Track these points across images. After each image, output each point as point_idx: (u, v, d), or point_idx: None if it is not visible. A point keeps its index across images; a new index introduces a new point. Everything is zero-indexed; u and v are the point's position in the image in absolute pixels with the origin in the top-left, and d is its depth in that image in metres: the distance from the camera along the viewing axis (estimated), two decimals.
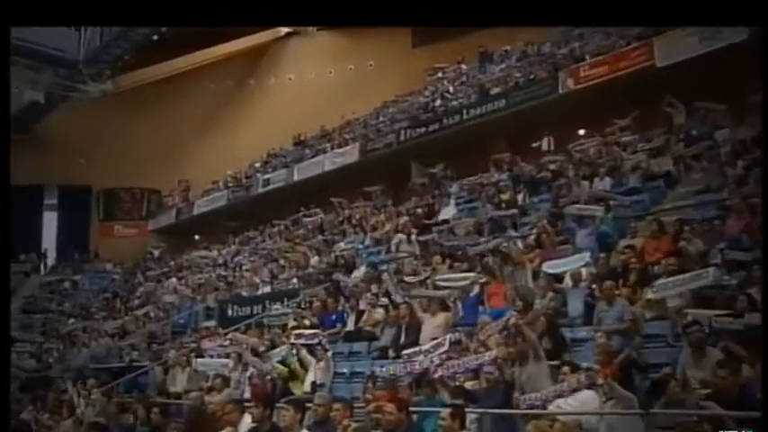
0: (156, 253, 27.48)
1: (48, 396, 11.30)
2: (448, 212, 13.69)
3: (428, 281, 9.85)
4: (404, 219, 14.16)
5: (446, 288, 9.04)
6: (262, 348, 9.96)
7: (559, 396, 5.56)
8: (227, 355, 9.97)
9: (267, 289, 14.74)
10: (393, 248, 12.78)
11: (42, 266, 31.76)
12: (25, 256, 30.35)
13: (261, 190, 24.67)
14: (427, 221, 13.63)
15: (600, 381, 5.52)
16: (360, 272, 12.21)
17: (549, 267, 8.44)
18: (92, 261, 31.12)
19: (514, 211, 11.67)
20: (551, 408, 5.49)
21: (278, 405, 5.99)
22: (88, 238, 32.21)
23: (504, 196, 12.50)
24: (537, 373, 6.06)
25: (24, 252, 30.41)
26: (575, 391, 5.54)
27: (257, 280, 15.60)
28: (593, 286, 7.93)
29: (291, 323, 10.73)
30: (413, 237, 12.59)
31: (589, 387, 5.57)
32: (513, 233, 10.61)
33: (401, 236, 12.78)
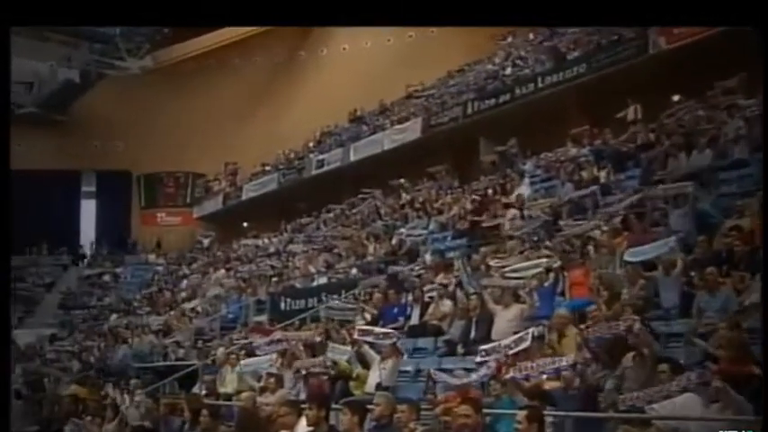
0: (206, 242, 28.43)
1: (89, 398, 11.91)
2: (522, 192, 13.62)
3: (500, 270, 9.87)
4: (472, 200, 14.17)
5: (519, 278, 9.06)
6: (317, 345, 10.22)
7: (667, 397, 5.43)
8: (281, 354, 10.26)
9: (323, 280, 15.05)
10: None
11: (81, 259, 33.41)
12: (63, 248, 31.94)
13: (314, 172, 25.10)
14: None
15: (716, 382, 5.24)
16: (425, 260, 12.31)
17: (631, 255, 8.30)
18: (133, 252, 32.50)
19: (595, 188, 11.48)
20: (647, 410, 5.43)
21: (335, 407, 6.13)
22: (129, 227, 33.54)
23: (585, 173, 12.34)
24: (640, 372, 5.97)
25: (62, 243, 31.99)
26: (684, 391, 5.40)
27: (312, 270, 15.95)
28: (692, 273, 7.78)
29: (350, 317, 10.96)
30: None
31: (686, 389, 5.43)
32: (595, 215, 10.47)
33: (514, 211, 12.44)
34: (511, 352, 6.81)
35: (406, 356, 9.11)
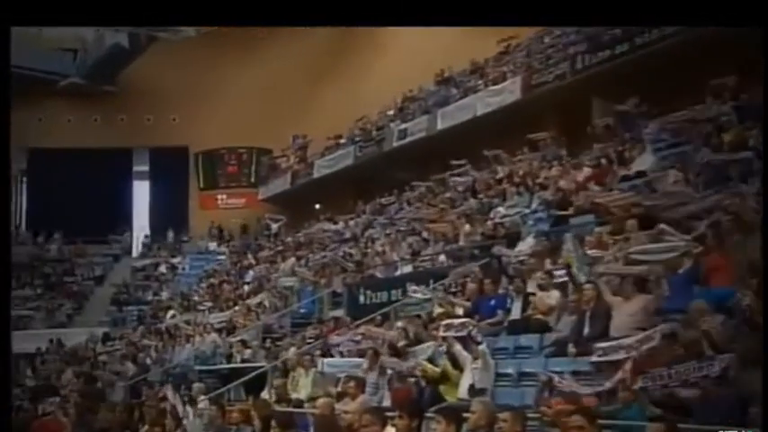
0: (274, 227, 29.11)
1: (146, 405, 12.37)
2: (644, 162, 13.20)
3: (619, 254, 9.64)
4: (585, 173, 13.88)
5: (645, 263, 8.81)
6: (402, 343, 10.29)
7: None
8: (362, 353, 10.49)
9: (407, 269, 15.15)
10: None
11: (134, 248, 34.77)
12: (113, 236, 33.32)
13: (396, 144, 25.14)
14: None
15: None
16: (526, 243, 12.19)
17: None
18: (192, 240, 33.61)
19: (747, 154, 10.92)
20: None
21: (427, 415, 6.22)
22: (187, 211, 34.76)
23: (728, 136, 11.80)
24: None
25: (112, 231, 33.40)
26: None
27: (395, 257, 16.06)
28: None
29: (439, 311, 10.97)
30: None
31: None
32: (742, 186, 10.00)
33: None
34: (635, 353, 6.63)
35: (486, 347, 9.04)
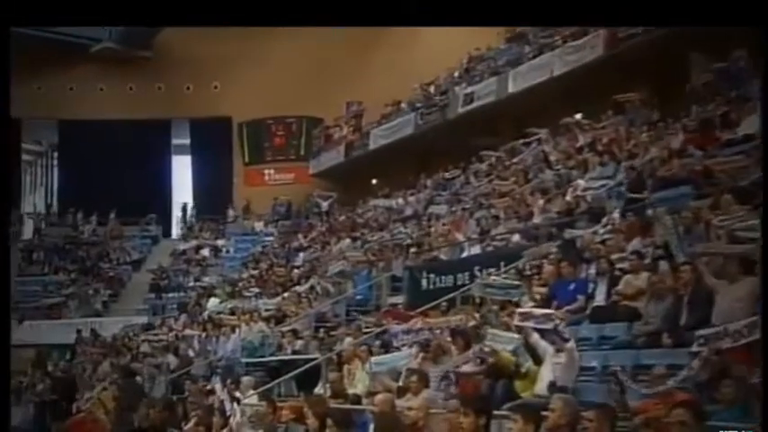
0: (325, 205, 29.16)
1: (189, 400, 12.59)
2: (753, 124, 12.81)
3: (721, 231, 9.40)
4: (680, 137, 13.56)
5: (752, 240, 8.55)
6: (472, 333, 10.20)
7: None
8: (425, 345, 10.41)
9: (475, 250, 15.04)
10: None
11: (174, 229, 35.36)
12: (151, 216, 33.94)
13: (461, 110, 24.93)
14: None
15: None
16: (611, 220, 11.98)
17: None
18: (237, 220, 33.99)
19: None
20: None
21: (496, 413, 6.22)
22: (231, 188, 35.18)
23: None
24: None
25: (150, 210, 34.01)
26: None
27: (460, 237, 15.95)
28: None
29: (514, 296, 10.85)
30: None
31: None
32: None
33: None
34: (743, 341, 6.44)
35: (571, 344, 8.90)
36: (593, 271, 10.65)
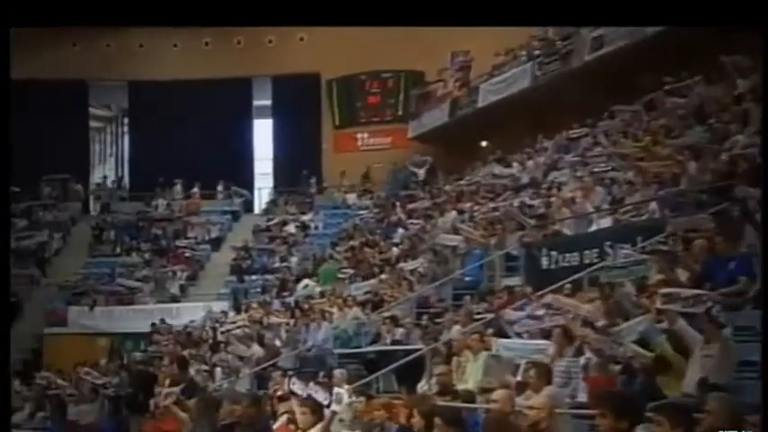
0: (421, 172, 28.90)
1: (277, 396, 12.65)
2: None
3: None
4: None
5: None
6: (601, 321, 10.00)
7: None
8: (546, 333, 10.36)
9: (606, 222, 14.79)
10: None
11: (256, 203, 35.80)
12: (232, 190, 34.43)
13: (589, 56, 24.24)
14: None
15: None
16: None
17: None
18: (327, 191, 34.25)
19: None
20: None
21: (634, 413, 5.95)
22: (320, 154, 35.33)
23: None
24: None
25: (229, 182, 34.50)
26: None
27: (588, 208, 15.69)
28: None
29: (658, 277, 10.51)
30: None
31: None
32: None
33: None
34: None
35: (726, 331, 8.55)
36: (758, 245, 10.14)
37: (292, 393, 10.39)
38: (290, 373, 14.32)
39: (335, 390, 9.86)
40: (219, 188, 34.66)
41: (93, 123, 38.48)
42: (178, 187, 34.79)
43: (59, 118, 33.58)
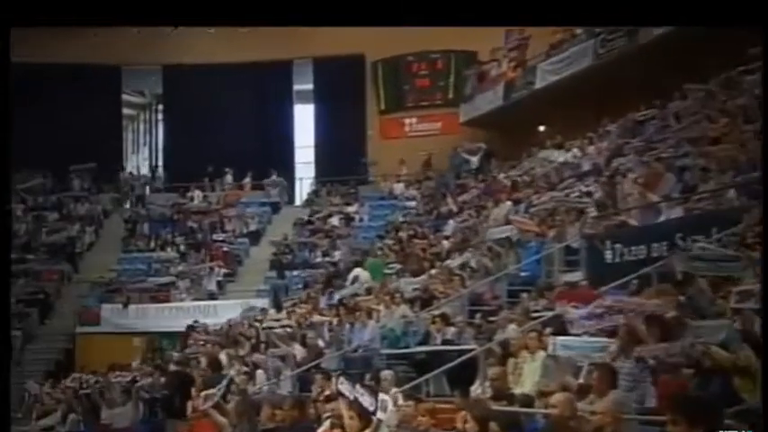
0: (474, 160, 28.66)
1: (321, 399, 12.64)
2: None
3: None
4: None
5: None
6: (673, 320, 9.81)
7: None
8: (611, 333, 10.16)
9: (676, 212, 14.56)
10: None
11: (297, 193, 35.86)
12: (272, 180, 34.51)
13: (658, 32, 23.82)
14: None
15: None
16: None
17: None
18: (372, 180, 34.30)
19: None
20: None
21: (710, 419, 5.80)
22: (364, 141, 35.31)
23: None
24: None
25: (268, 171, 34.62)
26: None
27: (656, 196, 15.50)
28: None
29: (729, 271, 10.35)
30: None
31: None
32: None
33: None
34: None
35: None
36: None
37: (339, 394, 10.43)
38: (338, 372, 14.30)
39: (381, 396, 9.90)
40: (264, 180, 34.78)
41: (126, 111, 38.82)
42: (229, 177, 34.96)
43: (91, 105, 33.93)
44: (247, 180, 34.97)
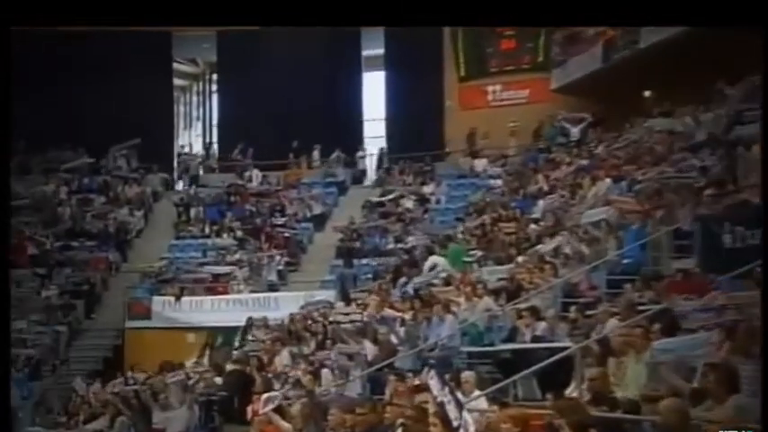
0: (575, 131, 28.35)
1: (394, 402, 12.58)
2: None
3: None
4: None
5: None
6: None
7: None
8: (728, 330, 10.00)
9: None
10: None
11: (367, 172, 35.78)
12: (338, 156, 34.54)
13: None
14: None
15: None
16: None
17: None
18: (450, 157, 34.13)
19: None
20: None
21: None
22: (442, 112, 35.14)
23: None
24: None
25: (334, 147, 34.68)
26: None
27: None
28: None
29: None
30: None
31: None
32: None
33: None
34: None
35: None
36: None
37: (426, 389, 10.38)
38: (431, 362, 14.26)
39: (465, 416, 9.85)
40: (327, 156, 34.80)
41: (177, 81, 39.10)
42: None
43: (138, 76, 34.21)
44: (314, 158, 34.97)
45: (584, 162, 25.37)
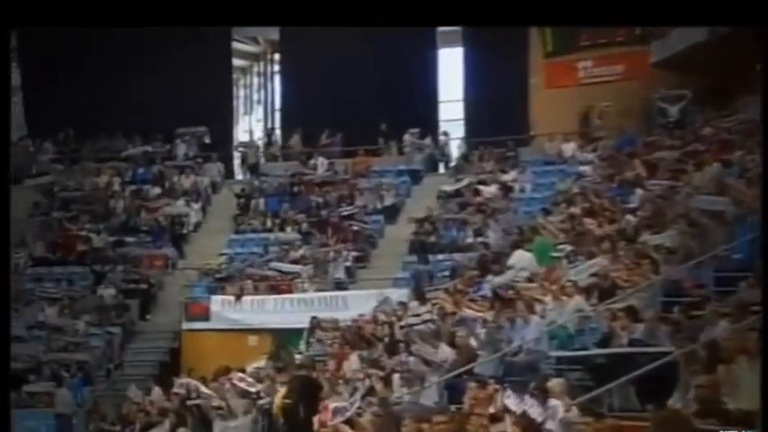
0: (674, 110, 27.99)
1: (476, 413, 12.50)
2: None
3: None
4: None
5: None
6: None
7: None
8: None
9: None
10: None
11: (443, 158, 35.57)
12: (410, 140, 34.31)
13: None
14: None
15: None
16: None
17: None
18: (535, 141, 33.93)
19: None
20: None
21: None
22: (526, 94, 34.81)
23: None
24: None
25: (406, 131, 34.49)
26: None
27: None
28: None
29: None
30: None
31: None
32: None
33: None
34: None
35: None
36: None
37: (506, 410, 10.38)
38: (504, 384, 14.13)
39: (551, 402, 9.74)
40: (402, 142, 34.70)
41: (236, 62, 39.20)
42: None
43: (195, 57, 34.35)
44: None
45: (688, 145, 24.91)
